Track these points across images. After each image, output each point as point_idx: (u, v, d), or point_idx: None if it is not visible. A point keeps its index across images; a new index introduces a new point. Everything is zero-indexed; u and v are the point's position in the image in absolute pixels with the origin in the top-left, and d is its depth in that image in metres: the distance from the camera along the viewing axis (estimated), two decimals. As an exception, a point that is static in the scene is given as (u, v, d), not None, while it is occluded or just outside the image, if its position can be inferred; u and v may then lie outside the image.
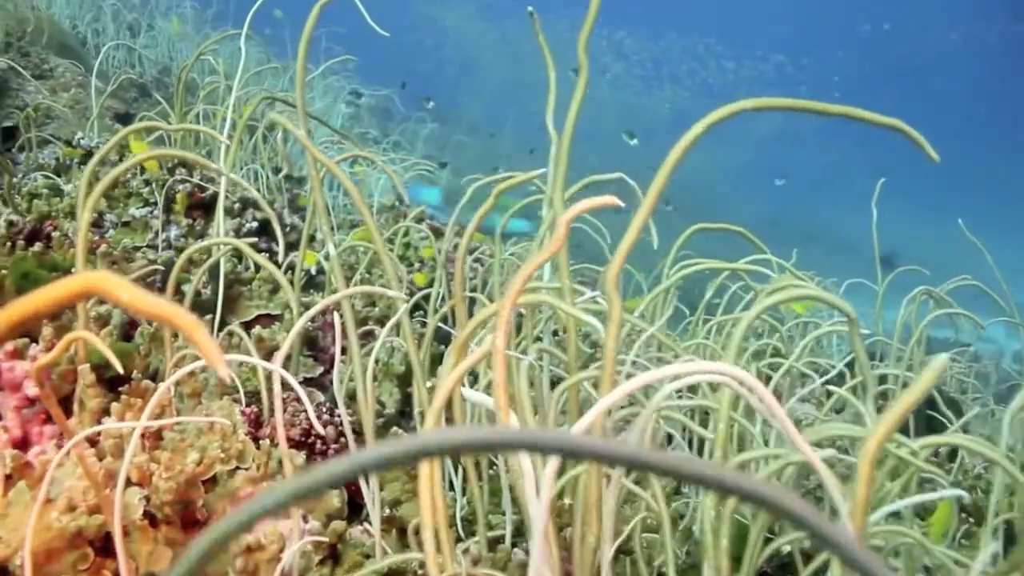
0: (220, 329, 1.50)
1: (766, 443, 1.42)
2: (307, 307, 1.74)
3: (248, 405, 1.27)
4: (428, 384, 1.37)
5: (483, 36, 18.36)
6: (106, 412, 1.18)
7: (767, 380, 2.04)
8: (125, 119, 3.73)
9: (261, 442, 1.17)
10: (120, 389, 1.21)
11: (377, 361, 1.55)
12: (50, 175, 2.38)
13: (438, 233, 2.96)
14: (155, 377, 1.38)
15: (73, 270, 1.39)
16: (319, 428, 0.90)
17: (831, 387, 1.85)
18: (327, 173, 2.24)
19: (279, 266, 1.89)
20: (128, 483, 1.05)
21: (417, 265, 2.76)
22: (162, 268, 1.47)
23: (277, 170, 3.08)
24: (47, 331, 1.16)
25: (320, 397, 1.46)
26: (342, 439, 1.29)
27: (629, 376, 1.17)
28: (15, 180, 2.41)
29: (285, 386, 1.43)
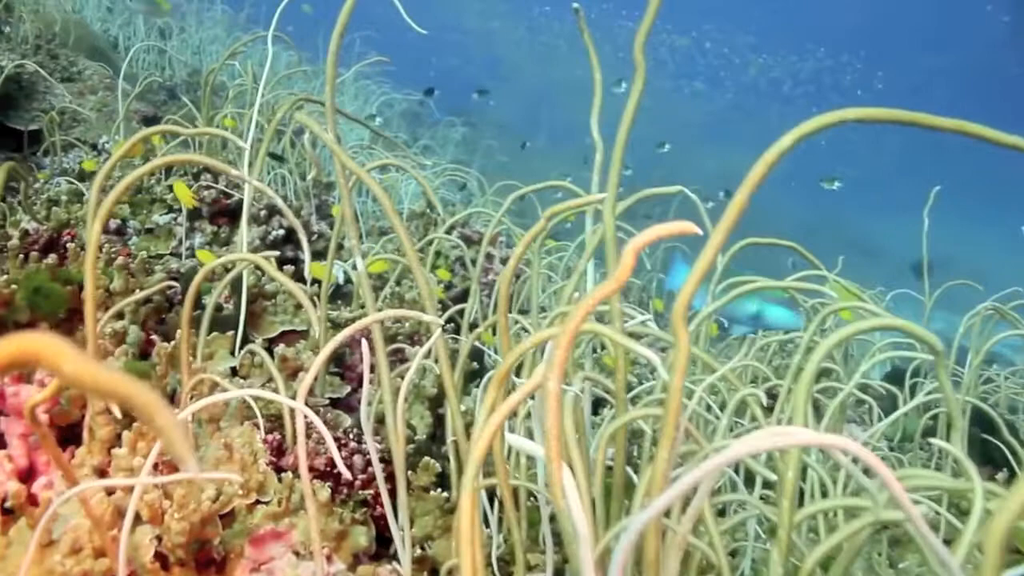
0: (243, 346, 1.42)
1: (819, 479, 1.32)
2: (333, 322, 1.66)
3: (270, 432, 1.19)
4: (462, 408, 1.28)
5: (516, 39, 18.28)
6: (119, 437, 1.11)
7: (815, 405, 1.94)
8: (153, 122, 3.67)
9: (283, 474, 1.09)
10: (133, 414, 1.13)
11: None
12: (73, 180, 2.31)
13: (469, 242, 2.87)
14: (173, 397, 1.31)
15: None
16: (345, 472, 0.81)
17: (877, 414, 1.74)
18: (357, 180, 2.16)
19: (304, 281, 1.81)
20: (139, 520, 0.96)
21: (445, 280, 2.67)
22: (176, 286, 1.39)
23: (305, 174, 3.01)
24: (55, 354, 1.08)
25: (347, 420, 1.37)
26: (370, 468, 1.20)
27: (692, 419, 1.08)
28: (38, 185, 2.35)
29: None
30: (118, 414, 0.64)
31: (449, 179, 4.11)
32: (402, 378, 1.46)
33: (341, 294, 2.53)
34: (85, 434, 1.05)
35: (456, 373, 1.27)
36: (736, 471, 1.59)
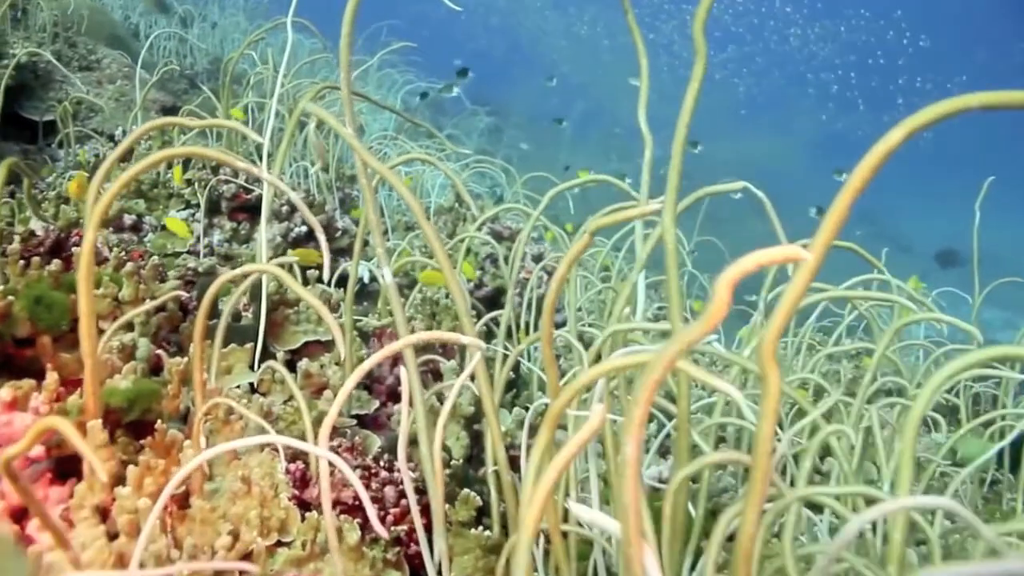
0: (263, 359, 1.30)
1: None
2: (360, 331, 1.55)
3: (292, 459, 1.07)
4: (503, 429, 1.16)
5: (546, 27, 18.05)
6: (124, 465, 0.99)
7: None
8: (172, 112, 3.57)
9: (308, 514, 0.97)
10: (143, 442, 1.01)
11: (440, 400, 1.34)
12: (88, 174, 2.21)
13: (500, 238, 2.75)
14: (187, 417, 1.19)
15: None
16: (380, 529, 0.69)
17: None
18: (381, 176, 2.03)
19: (328, 283, 1.69)
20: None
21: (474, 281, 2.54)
22: (187, 295, 1.28)
23: (328, 167, 2.89)
24: (51, 378, 0.96)
25: (376, 442, 1.26)
26: (403, 501, 1.08)
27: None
28: (50, 180, 2.25)
29: (338, 431, 1.22)
30: (103, 477, 0.53)
31: (475, 171, 3.99)
32: (438, 398, 1.34)
33: (367, 292, 2.42)
34: (85, 467, 0.93)
35: (496, 396, 1.14)
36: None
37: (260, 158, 1.90)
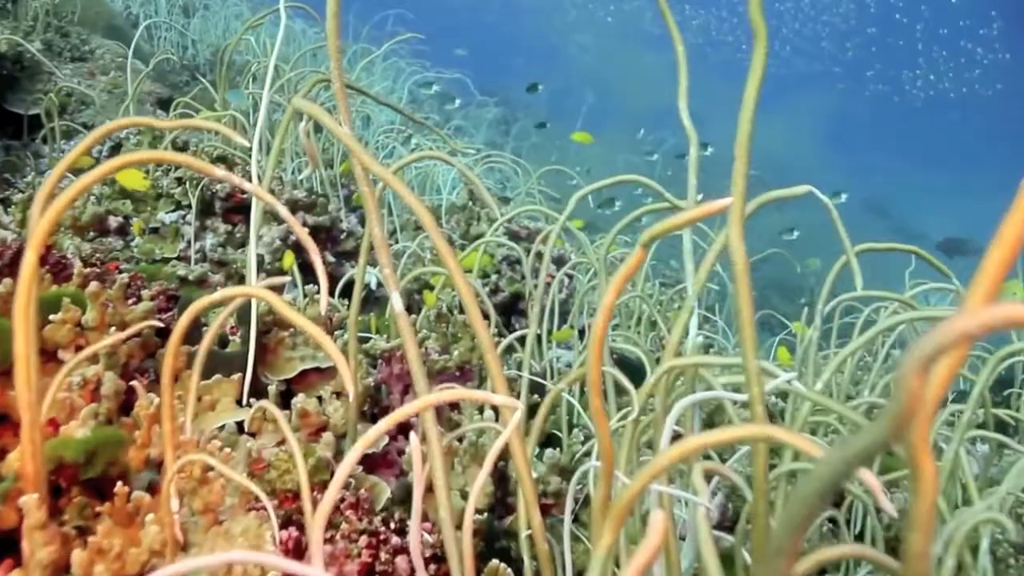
0: (253, 393, 1.11)
1: None
2: (367, 353, 1.36)
3: (285, 524, 0.89)
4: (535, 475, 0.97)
5: (555, 16, 17.80)
6: (83, 533, 0.81)
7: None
8: (167, 104, 3.38)
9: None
10: (99, 509, 0.83)
11: (461, 440, 1.15)
12: (70, 174, 2.03)
13: (516, 238, 2.56)
14: (160, 466, 1.01)
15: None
16: None
17: None
18: (390, 170, 1.83)
19: (332, 293, 1.51)
20: None
21: (494, 278, 2.36)
22: (162, 323, 1.09)
23: (332, 162, 2.70)
24: (-24, 441, 0.78)
25: (386, 491, 1.07)
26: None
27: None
28: (28, 179, 2.07)
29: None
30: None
31: (485, 165, 3.80)
32: (458, 438, 1.16)
33: (374, 299, 2.24)
34: (24, 548, 0.75)
35: (530, 448, 0.96)
36: None
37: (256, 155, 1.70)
